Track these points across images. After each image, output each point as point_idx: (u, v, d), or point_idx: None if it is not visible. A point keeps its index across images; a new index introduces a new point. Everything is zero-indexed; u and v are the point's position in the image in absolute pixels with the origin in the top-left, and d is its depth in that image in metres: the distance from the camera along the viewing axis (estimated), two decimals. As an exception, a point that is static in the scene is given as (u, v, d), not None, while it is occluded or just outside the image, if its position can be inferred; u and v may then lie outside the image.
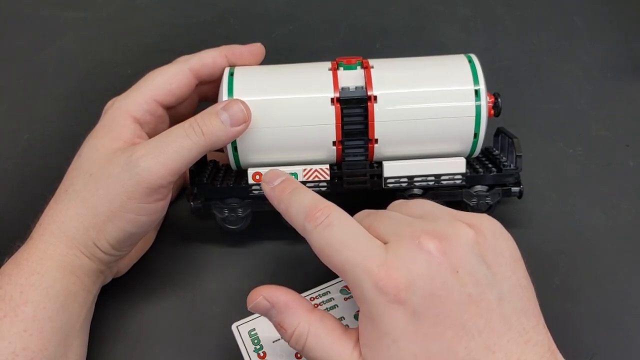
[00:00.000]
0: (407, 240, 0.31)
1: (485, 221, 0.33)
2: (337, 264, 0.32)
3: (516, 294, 0.31)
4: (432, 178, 0.41)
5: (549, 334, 0.31)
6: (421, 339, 0.29)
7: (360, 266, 0.31)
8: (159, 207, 0.38)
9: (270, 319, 0.33)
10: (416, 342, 0.29)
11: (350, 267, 0.31)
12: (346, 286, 0.39)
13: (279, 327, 0.33)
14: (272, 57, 0.44)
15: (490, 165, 0.43)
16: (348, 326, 0.33)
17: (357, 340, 0.32)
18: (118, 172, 0.36)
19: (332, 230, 0.32)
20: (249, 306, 0.34)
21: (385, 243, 0.32)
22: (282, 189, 0.35)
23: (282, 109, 0.39)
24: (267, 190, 0.36)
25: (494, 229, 0.33)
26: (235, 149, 0.40)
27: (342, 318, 0.37)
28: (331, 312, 0.38)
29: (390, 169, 0.40)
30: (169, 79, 0.41)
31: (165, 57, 0.44)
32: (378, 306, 0.30)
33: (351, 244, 0.31)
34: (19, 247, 0.37)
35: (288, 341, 0.33)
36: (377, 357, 0.30)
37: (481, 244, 0.31)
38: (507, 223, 0.43)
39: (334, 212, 0.33)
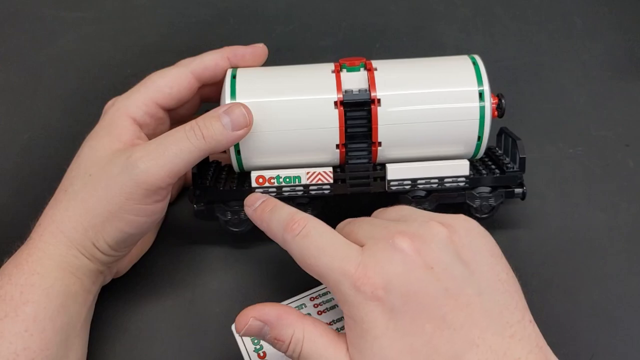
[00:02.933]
0: (382, 241, 0.32)
1: (460, 220, 0.33)
2: (316, 270, 0.33)
3: (496, 289, 0.31)
4: (436, 180, 0.40)
5: (537, 330, 0.31)
6: (402, 335, 0.30)
7: (338, 269, 0.31)
8: (158, 208, 0.38)
9: (264, 337, 0.33)
10: (398, 339, 0.30)
11: (328, 271, 0.32)
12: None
13: (275, 341, 0.33)
14: (273, 57, 0.44)
15: (493, 167, 0.43)
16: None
17: None
18: (117, 173, 0.36)
19: (309, 239, 0.33)
20: (240, 332, 0.33)
21: (362, 246, 0.32)
22: (262, 209, 0.37)
23: (285, 111, 0.39)
24: (250, 212, 0.38)
25: (469, 227, 0.33)
26: (238, 152, 0.40)
27: (341, 318, 0.37)
28: (331, 312, 0.38)
29: (394, 172, 0.40)
30: (170, 82, 0.40)
31: (165, 57, 0.44)
32: (358, 305, 0.31)
33: (328, 249, 0.32)
34: (19, 247, 0.37)
35: (285, 352, 0.33)
36: (363, 356, 0.31)
37: (455, 241, 0.32)
38: (507, 223, 0.43)
39: (311, 222, 0.34)
